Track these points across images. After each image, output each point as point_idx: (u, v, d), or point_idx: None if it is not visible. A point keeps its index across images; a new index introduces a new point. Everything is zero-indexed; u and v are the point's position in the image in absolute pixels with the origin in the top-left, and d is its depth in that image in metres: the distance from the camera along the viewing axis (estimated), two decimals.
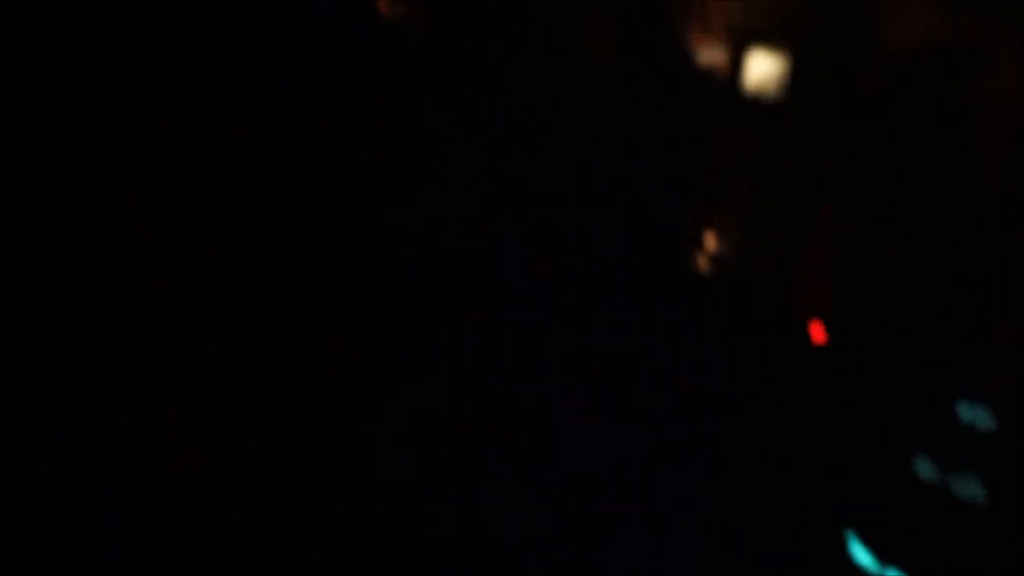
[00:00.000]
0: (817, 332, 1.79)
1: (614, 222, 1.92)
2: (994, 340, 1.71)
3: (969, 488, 1.55)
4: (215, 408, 1.69)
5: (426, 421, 1.82)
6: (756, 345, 1.79)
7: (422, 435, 1.80)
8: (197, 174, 1.77)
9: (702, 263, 1.95)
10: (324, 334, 1.81)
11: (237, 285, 1.77)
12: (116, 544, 1.55)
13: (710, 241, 1.98)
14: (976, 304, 1.77)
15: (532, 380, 1.87)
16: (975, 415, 1.62)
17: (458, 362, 1.86)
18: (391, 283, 1.93)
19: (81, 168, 1.64)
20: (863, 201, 2.02)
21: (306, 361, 1.78)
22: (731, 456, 1.69)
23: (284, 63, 1.89)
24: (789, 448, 1.67)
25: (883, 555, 1.57)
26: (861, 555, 1.59)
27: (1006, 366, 1.67)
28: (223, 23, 1.81)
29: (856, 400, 1.69)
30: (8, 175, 1.57)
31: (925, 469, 1.58)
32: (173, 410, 1.65)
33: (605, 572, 1.71)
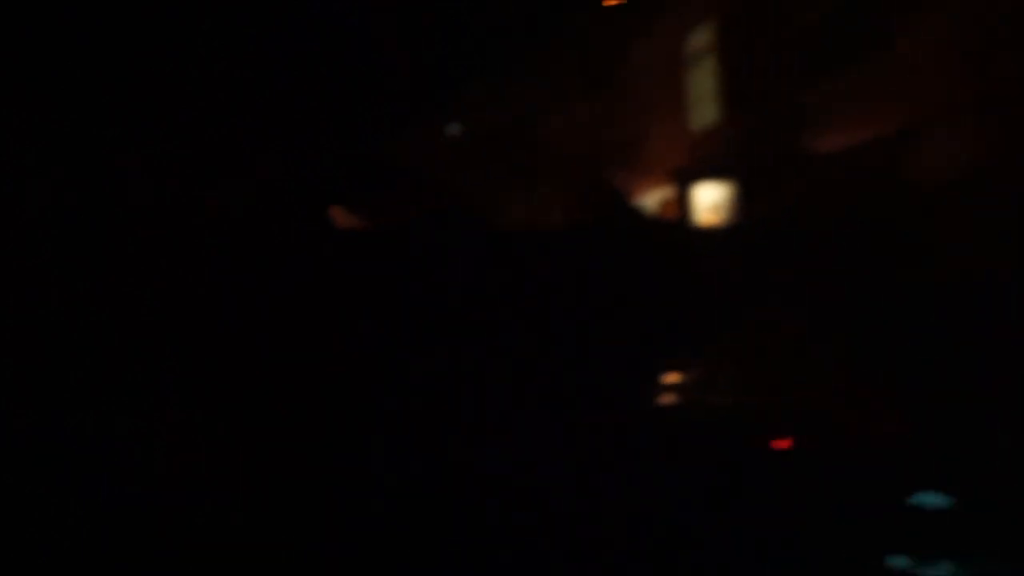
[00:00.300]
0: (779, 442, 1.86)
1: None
2: None
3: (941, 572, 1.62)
4: (215, 408, 1.69)
5: (424, 421, 1.82)
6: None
7: (421, 435, 1.80)
8: (197, 174, 1.77)
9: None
10: (323, 334, 1.82)
11: (237, 285, 1.77)
12: (116, 544, 1.55)
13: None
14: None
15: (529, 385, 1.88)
16: (935, 501, 1.68)
17: (457, 363, 1.87)
18: (391, 283, 1.93)
19: (81, 168, 1.65)
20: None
21: (305, 361, 1.78)
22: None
23: (284, 63, 1.90)
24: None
25: None
26: None
27: None
28: (223, 23, 1.81)
29: (822, 502, 1.74)
30: (8, 175, 1.57)
31: (899, 562, 1.63)
32: (173, 410, 1.65)
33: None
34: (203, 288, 1.73)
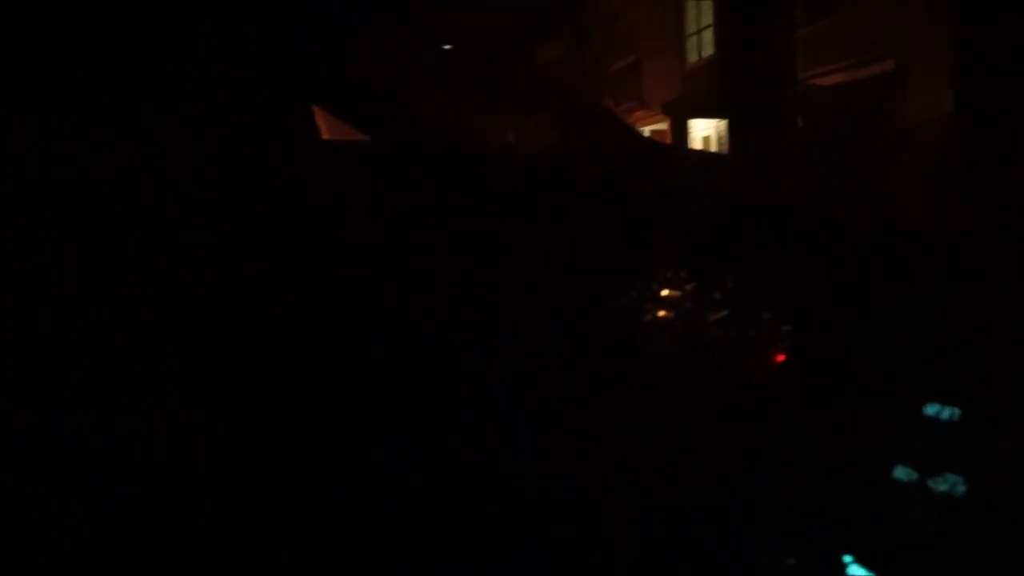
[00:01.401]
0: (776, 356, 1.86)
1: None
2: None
3: (947, 485, 1.59)
4: (215, 408, 1.69)
5: (424, 421, 1.83)
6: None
7: (420, 435, 1.82)
8: (197, 174, 1.77)
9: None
10: (324, 333, 1.82)
11: (237, 285, 1.77)
12: (116, 544, 1.56)
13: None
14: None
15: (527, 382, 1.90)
16: (943, 413, 1.68)
17: (456, 363, 1.88)
18: (389, 284, 1.94)
19: (81, 168, 1.64)
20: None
21: (306, 361, 1.79)
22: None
23: (284, 63, 1.89)
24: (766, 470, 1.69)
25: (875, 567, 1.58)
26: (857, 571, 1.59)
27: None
28: (223, 23, 1.81)
29: (828, 413, 1.72)
30: (8, 175, 1.56)
31: (903, 473, 1.61)
32: (173, 410, 1.66)
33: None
34: (204, 287, 1.73)
